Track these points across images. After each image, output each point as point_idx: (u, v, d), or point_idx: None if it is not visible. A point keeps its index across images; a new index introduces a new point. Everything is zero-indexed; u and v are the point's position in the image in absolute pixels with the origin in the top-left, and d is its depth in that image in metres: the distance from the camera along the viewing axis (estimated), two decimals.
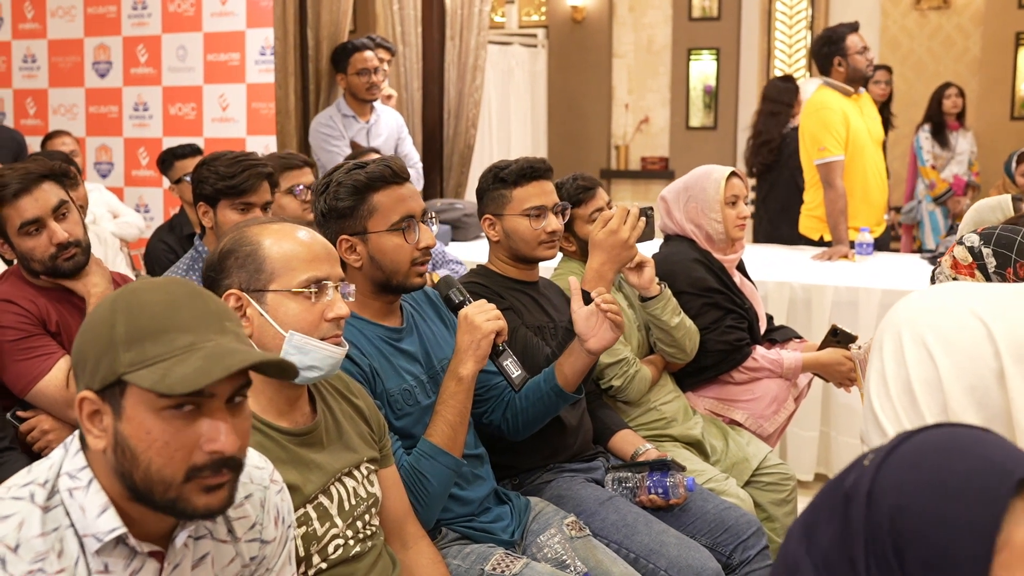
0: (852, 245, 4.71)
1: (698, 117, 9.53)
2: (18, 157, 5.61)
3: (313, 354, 1.74)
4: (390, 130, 5.25)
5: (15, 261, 2.62)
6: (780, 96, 6.01)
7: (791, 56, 9.31)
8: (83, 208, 4.28)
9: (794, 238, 5.19)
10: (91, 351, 1.29)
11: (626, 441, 2.79)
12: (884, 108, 6.68)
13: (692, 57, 9.46)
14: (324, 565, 1.78)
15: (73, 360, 1.33)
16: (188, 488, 1.27)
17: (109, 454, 1.29)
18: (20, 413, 2.52)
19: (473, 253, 4.83)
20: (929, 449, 0.92)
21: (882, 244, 5.05)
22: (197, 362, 1.24)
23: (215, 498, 1.29)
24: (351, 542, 1.82)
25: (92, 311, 1.33)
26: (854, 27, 4.85)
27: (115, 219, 5.22)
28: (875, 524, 0.90)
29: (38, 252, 2.49)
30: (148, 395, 1.25)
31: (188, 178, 4.24)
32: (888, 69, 6.92)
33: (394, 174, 2.18)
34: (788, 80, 6.25)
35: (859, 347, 2.97)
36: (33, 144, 6.02)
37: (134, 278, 2.88)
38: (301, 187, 3.43)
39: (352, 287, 1.85)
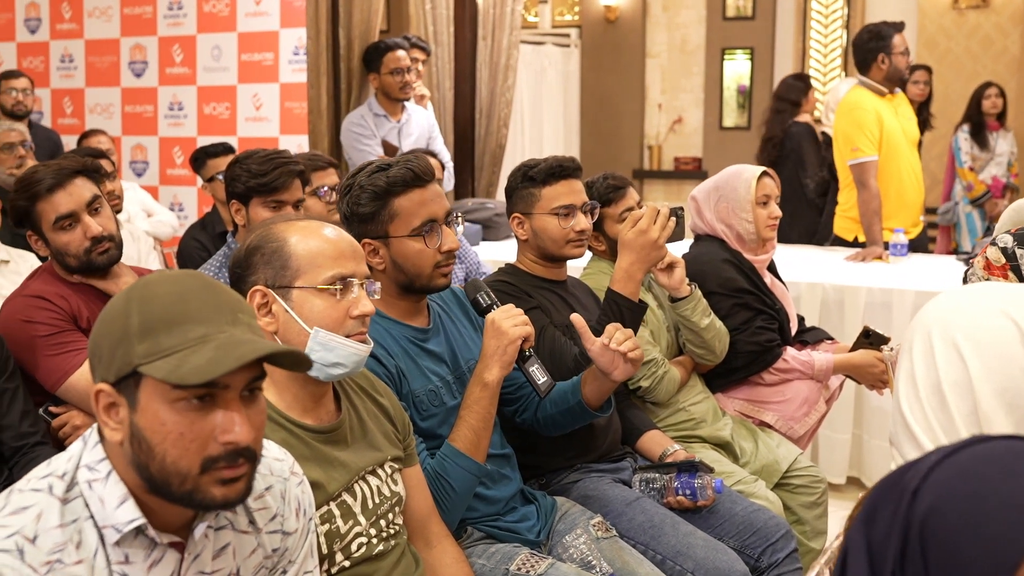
0: (886, 246, 4.66)
1: (732, 117, 9.47)
2: (53, 156, 5.68)
3: (338, 351, 1.75)
4: (421, 129, 5.26)
5: (48, 258, 2.65)
6: (787, 94, 6.03)
7: (826, 56, 9.23)
8: (119, 200, 4.33)
9: (791, 234, 5.17)
10: (106, 343, 1.29)
11: (654, 442, 2.77)
12: (923, 108, 6.60)
13: (726, 57, 9.40)
14: (347, 563, 1.78)
15: (89, 352, 1.34)
16: (205, 480, 1.28)
17: (126, 446, 1.29)
18: (52, 408, 2.55)
19: (504, 253, 4.82)
20: (983, 459, 0.90)
21: (919, 245, 4.99)
22: (210, 352, 1.25)
23: (232, 489, 1.30)
24: (374, 540, 1.82)
25: (107, 305, 1.34)
26: (900, 27, 4.80)
27: (149, 217, 5.26)
28: (911, 521, 0.89)
29: (72, 246, 2.52)
30: (162, 386, 1.25)
31: (220, 176, 4.28)
32: (927, 69, 6.82)
33: (416, 177, 2.14)
34: (799, 78, 6.23)
35: (891, 349, 2.94)
36: (70, 143, 6.09)
37: None
38: (326, 188, 3.44)
39: (377, 285, 1.84)
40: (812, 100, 6.07)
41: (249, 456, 1.30)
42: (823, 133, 5.92)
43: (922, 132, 6.35)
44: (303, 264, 1.75)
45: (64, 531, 1.28)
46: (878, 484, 0.97)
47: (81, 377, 2.47)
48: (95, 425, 1.36)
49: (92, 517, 1.30)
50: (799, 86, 6.02)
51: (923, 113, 6.56)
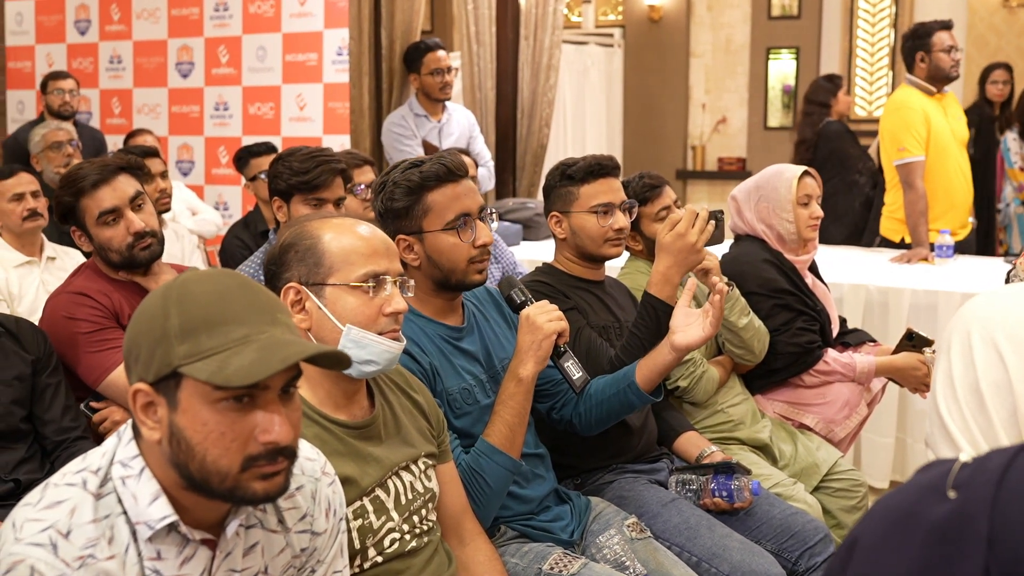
0: (932, 247, 4.59)
1: (776, 117, 9.38)
2: (98, 155, 5.77)
3: (370, 348, 1.75)
4: (462, 129, 5.27)
5: (91, 255, 2.69)
6: (815, 95, 6.00)
7: (873, 55, 9.11)
8: (169, 199, 4.39)
9: (836, 235, 5.13)
10: (144, 343, 1.30)
11: (691, 443, 2.75)
12: (1004, 108, 6.46)
13: (771, 56, 9.31)
14: (380, 559, 1.78)
15: (124, 352, 1.34)
16: (245, 477, 1.29)
17: (164, 445, 1.30)
18: (93, 404, 2.58)
19: (544, 253, 4.81)
20: None
21: (967, 247, 4.91)
22: (253, 354, 1.25)
23: (272, 484, 1.31)
24: (407, 536, 1.82)
25: (142, 303, 1.34)
26: (946, 24, 4.72)
27: (193, 216, 5.32)
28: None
29: (115, 242, 2.56)
30: (204, 387, 1.26)
31: (263, 176, 4.32)
32: (1007, 68, 6.65)
33: (449, 172, 2.16)
34: (830, 79, 6.16)
35: (934, 351, 2.89)
36: (118, 143, 6.18)
37: None
38: (362, 186, 3.46)
39: (411, 282, 1.85)
40: (844, 101, 5.98)
41: (288, 454, 1.32)
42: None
43: (1002, 133, 6.25)
44: (336, 261, 1.76)
45: (97, 526, 1.29)
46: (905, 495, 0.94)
47: (122, 374, 2.50)
48: (130, 421, 1.38)
49: (125, 513, 1.31)
50: (828, 87, 5.97)
51: (1005, 112, 6.42)
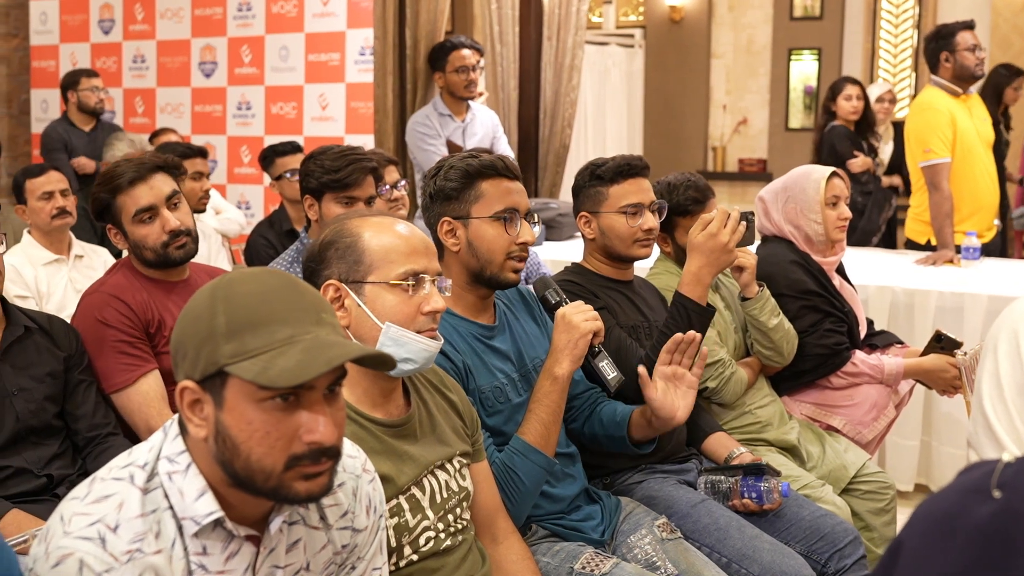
0: (958, 249, 4.57)
1: (798, 118, 9.35)
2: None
3: (409, 346, 1.76)
4: (486, 129, 5.27)
5: (123, 253, 2.70)
6: (826, 99, 6.06)
7: (896, 56, 9.07)
8: (208, 198, 4.41)
9: None
10: (191, 341, 1.31)
11: (720, 444, 2.74)
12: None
13: (793, 57, 9.29)
14: (415, 557, 1.79)
15: (172, 350, 1.35)
16: (289, 476, 1.29)
17: (210, 442, 1.31)
18: None
19: (566, 253, 4.82)
20: None
21: (993, 249, 4.88)
22: (298, 355, 1.26)
23: (316, 484, 1.32)
24: (442, 535, 1.82)
25: (189, 302, 1.36)
26: (969, 25, 4.71)
27: (217, 215, 5.34)
28: None
29: (151, 240, 2.58)
30: (249, 386, 1.27)
31: (289, 175, 4.34)
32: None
33: (506, 168, 2.23)
34: (838, 82, 6.15)
35: (965, 353, 2.88)
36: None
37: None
38: (387, 187, 3.47)
39: (448, 282, 1.85)
40: (844, 106, 5.95)
41: (332, 454, 1.32)
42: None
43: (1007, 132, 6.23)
44: (376, 259, 1.77)
45: (144, 521, 1.30)
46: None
47: (134, 393, 2.52)
48: (175, 416, 1.39)
49: (171, 508, 1.32)
50: (834, 89, 6.01)
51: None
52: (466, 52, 5.12)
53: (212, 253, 4.59)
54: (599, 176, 2.64)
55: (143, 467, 1.34)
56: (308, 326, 1.30)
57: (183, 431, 1.36)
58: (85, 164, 5.83)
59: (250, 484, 1.30)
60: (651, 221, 2.63)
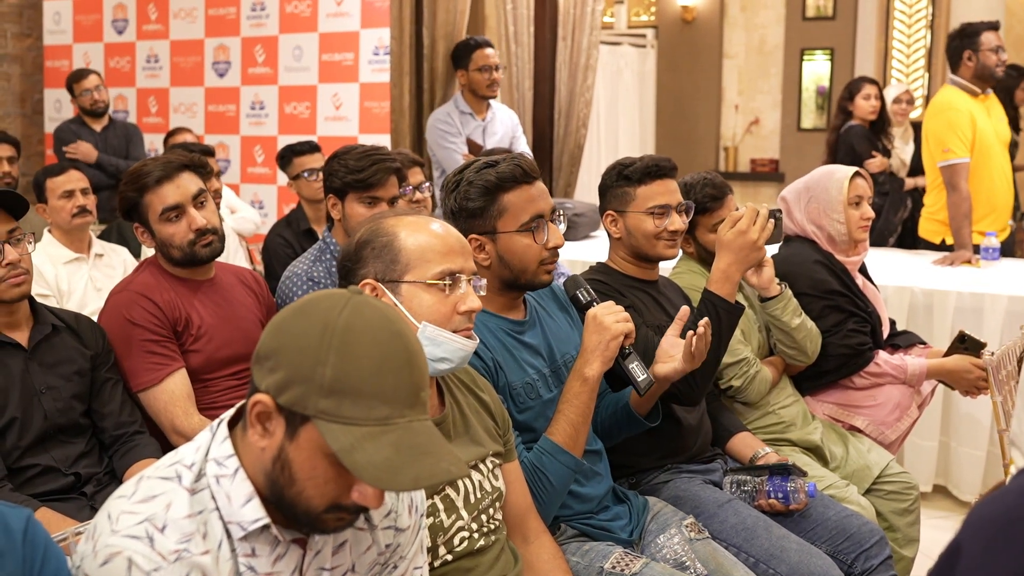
0: (976, 249, 4.56)
1: (810, 119, 9.34)
2: (130, 148, 5.82)
3: (445, 346, 1.76)
4: (505, 128, 5.28)
5: (152, 251, 2.70)
6: (841, 99, 6.05)
7: (909, 56, 9.05)
8: (220, 198, 4.42)
9: None
10: (286, 367, 1.27)
11: (745, 444, 2.74)
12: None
13: (805, 57, 9.28)
14: (450, 557, 1.79)
15: (259, 353, 1.31)
16: (326, 516, 1.31)
17: (267, 461, 1.31)
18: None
19: (583, 252, 4.82)
20: None
21: (1005, 249, 4.87)
22: (387, 450, 1.23)
23: (344, 523, 1.35)
24: (476, 535, 1.83)
25: (296, 319, 1.30)
26: (993, 25, 4.70)
27: (232, 214, 5.35)
28: None
29: (177, 238, 2.58)
30: (326, 442, 1.25)
31: (306, 175, 4.34)
32: None
33: (525, 173, 2.19)
34: (850, 83, 6.14)
35: (992, 354, 2.87)
36: (154, 142, 6.22)
37: (252, 271, 2.96)
38: (410, 188, 3.47)
39: (484, 281, 1.86)
40: (862, 105, 5.93)
41: (366, 511, 1.36)
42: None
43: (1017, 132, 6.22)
44: (413, 259, 1.77)
45: (192, 521, 1.30)
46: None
47: (160, 392, 2.53)
48: (224, 416, 1.38)
49: (218, 510, 1.32)
50: (847, 91, 6.01)
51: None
52: (490, 51, 5.13)
53: (230, 252, 4.58)
54: (627, 176, 2.64)
55: (190, 467, 1.34)
56: (404, 408, 1.26)
57: (231, 433, 1.36)
58: (88, 152, 5.76)
59: (289, 510, 1.31)
60: (678, 222, 2.63)
